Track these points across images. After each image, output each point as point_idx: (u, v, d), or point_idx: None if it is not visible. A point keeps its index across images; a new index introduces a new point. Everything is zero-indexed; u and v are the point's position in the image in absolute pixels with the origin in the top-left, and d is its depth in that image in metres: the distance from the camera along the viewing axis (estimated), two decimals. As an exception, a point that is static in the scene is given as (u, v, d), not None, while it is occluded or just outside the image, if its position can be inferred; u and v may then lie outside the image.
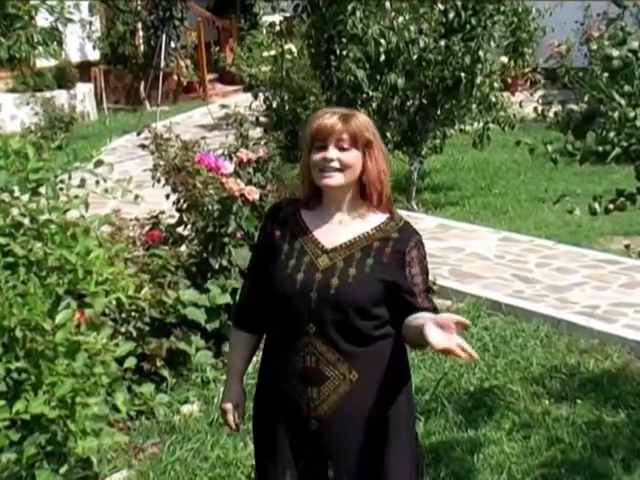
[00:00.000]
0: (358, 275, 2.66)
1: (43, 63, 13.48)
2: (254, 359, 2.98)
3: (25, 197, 2.93)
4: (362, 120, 2.72)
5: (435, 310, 2.70)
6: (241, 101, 12.06)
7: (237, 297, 3.00)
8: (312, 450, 2.72)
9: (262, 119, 10.91)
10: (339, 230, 2.74)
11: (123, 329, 4.74)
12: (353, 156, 2.68)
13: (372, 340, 2.68)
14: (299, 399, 2.69)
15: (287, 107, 9.95)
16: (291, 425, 2.74)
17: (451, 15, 6.29)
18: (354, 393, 2.67)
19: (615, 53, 3.75)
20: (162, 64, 14.19)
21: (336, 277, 2.66)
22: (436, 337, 2.40)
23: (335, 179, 2.68)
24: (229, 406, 2.91)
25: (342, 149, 2.68)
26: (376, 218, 2.77)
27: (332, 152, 2.67)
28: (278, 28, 13.05)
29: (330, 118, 2.69)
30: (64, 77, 14.17)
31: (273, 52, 12.47)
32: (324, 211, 2.77)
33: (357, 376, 2.67)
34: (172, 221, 5.62)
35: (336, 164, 2.67)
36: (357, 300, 2.65)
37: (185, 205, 5.47)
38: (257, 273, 2.84)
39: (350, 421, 2.69)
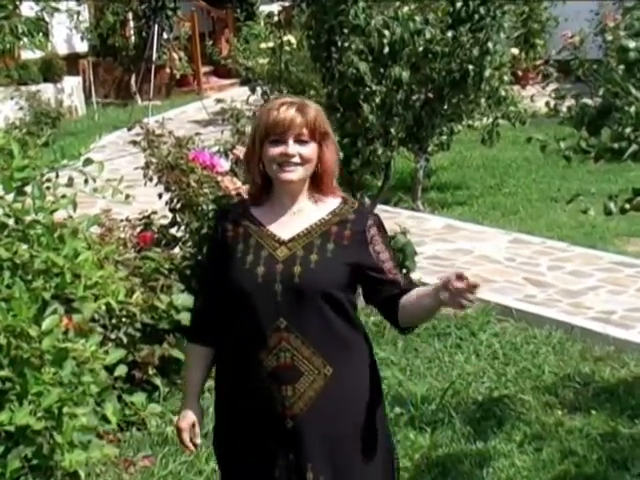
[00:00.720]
0: (320, 260, 2.73)
1: (28, 55, 13.50)
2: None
3: (10, 197, 2.93)
4: (317, 110, 2.78)
5: (412, 284, 2.84)
6: (237, 95, 12.07)
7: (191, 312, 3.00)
8: (288, 452, 2.73)
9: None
10: (294, 220, 2.80)
11: (113, 335, 4.73)
12: (312, 149, 2.75)
13: (342, 332, 2.77)
14: (272, 400, 2.71)
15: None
16: (264, 430, 2.74)
17: (458, 4, 6.28)
18: (329, 388, 2.73)
19: (632, 44, 3.75)
20: (154, 56, 14.21)
21: (298, 265, 2.72)
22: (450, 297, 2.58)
23: (296, 174, 2.74)
24: (185, 425, 2.92)
25: (301, 143, 2.73)
26: (330, 203, 2.84)
27: (293, 147, 2.72)
28: (276, 18, 13.09)
29: (288, 111, 2.72)
30: (50, 70, 14.19)
31: (271, 44, 12.49)
32: (276, 204, 2.81)
33: (331, 370, 2.73)
34: (165, 222, 5.62)
35: (297, 159, 2.73)
36: (323, 285, 2.72)
37: (179, 205, 5.47)
38: (210, 281, 2.86)
39: (326, 418, 2.74)
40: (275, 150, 2.72)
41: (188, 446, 2.94)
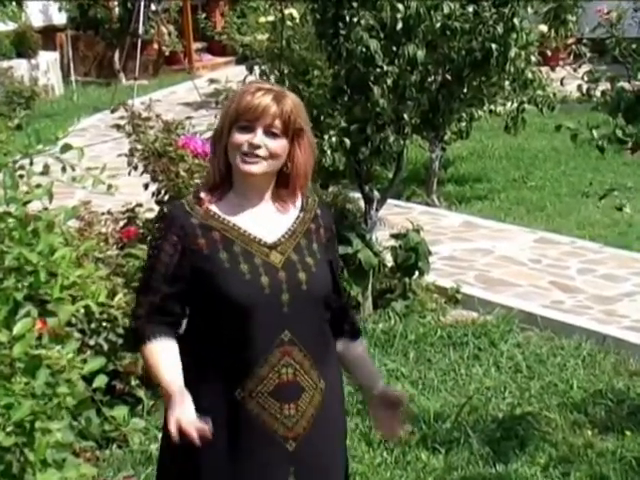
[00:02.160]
0: (316, 263, 2.80)
1: None
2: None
3: (-22, 186, 2.93)
4: (295, 104, 2.77)
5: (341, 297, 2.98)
6: (233, 75, 12.08)
7: (133, 319, 2.94)
8: (287, 476, 2.74)
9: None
10: (271, 221, 2.82)
11: (92, 342, 4.74)
12: (281, 145, 2.75)
13: (329, 340, 2.86)
14: (273, 422, 2.71)
15: (287, 82, 9.93)
16: (262, 455, 2.72)
17: (481, -25, 6.29)
18: (325, 404, 2.79)
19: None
20: (140, 30, 14.18)
21: (301, 270, 2.75)
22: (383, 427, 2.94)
23: (258, 167, 2.74)
24: (194, 418, 2.62)
25: (271, 135, 2.73)
26: (296, 199, 2.87)
27: (260, 137, 2.72)
28: (277, -11, 13.04)
29: (263, 97, 2.72)
30: (24, 44, 14.18)
31: (271, 18, 12.45)
32: (243, 203, 2.81)
33: (324, 384, 2.79)
34: (151, 215, 5.62)
35: (262, 151, 2.73)
36: (326, 289, 2.83)
37: (167, 197, 5.47)
38: (163, 288, 2.77)
39: (325, 436, 2.79)
40: (241, 137, 2.72)
41: (208, 435, 2.61)
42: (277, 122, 2.72)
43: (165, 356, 2.78)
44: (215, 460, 2.74)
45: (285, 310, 2.72)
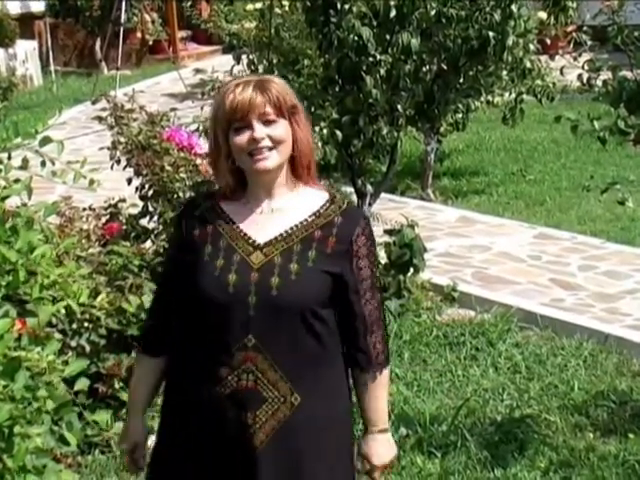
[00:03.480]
0: (301, 270, 2.72)
1: (-25, 15, 13.48)
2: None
3: (-46, 180, 2.92)
4: (279, 84, 2.78)
5: (379, 313, 2.86)
6: (220, 65, 12.08)
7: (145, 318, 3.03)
8: None
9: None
10: (272, 221, 2.79)
11: (74, 343, 4.73)
12: (283, 128, 2.74)
13: (317, 356, 2.76)
14: (229, 427, 2.72)
15: (276, 72, 9.92)
16: (214, 465, 2.76)
17: (477, -40, 6.29)
18: (294, 419, 2.73)
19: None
20: (123, 18, 14.17)
21: (276, 275, 2.71)
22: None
23: (271, 160, 2.73)
24: (127, 446, 2.98)
25: (268, 123, 2.72)
26: (314, 201, 2.83)
27: (259, 130, 2.70)
28: (265, -25, 13.02)
29: (244, 91, 2.71)
30: (1, 32, 14.15)
31: (259, 5, 12.45)
32: (251, 201, 2.81)
33: (299, 400, 2.73)
34: (135, 211, 5.62)
35: (267, 142, 2.71)
36: (303, 300, 2.72)
37: (151, 192, 5.46)
38: (168, 284, 2.89)
39: (288, 453, 2.74)
40: (242, 138, 2.71)
41: (131, 467, 3.05)
42: (268, 108, 2.71)
43: (142, 372, 2.98)
44: (175, 461, 2.84)
45: (251, 313, 2.69)
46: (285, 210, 2.80)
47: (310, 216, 2.80)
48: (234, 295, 2.70)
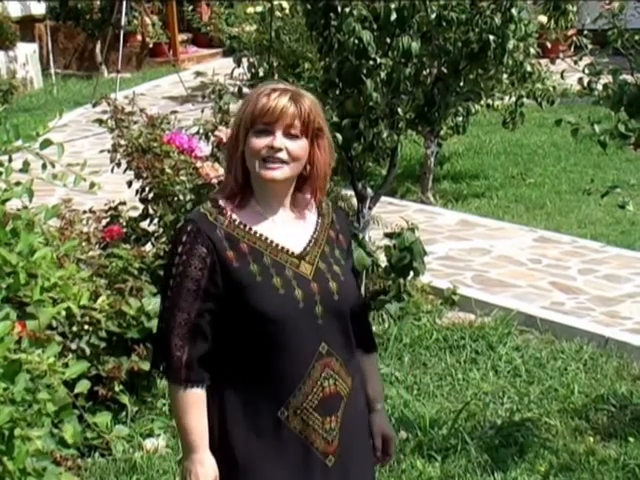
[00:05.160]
0: (343, 271, 2.84)
1: (-24, 18, 13.48)
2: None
3: (-45, 183, 2.92)
4: (313, 102, 2.77)
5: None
6: (220, 68, 12.05)
7: (167, 347, 2.77)
8: None
9: (246, 90, 10.92)
10: (294, 229, 2.82)
11: (74, 345, 4.74)
12: (302, 146, 2.74)
13: (353, 343, 2.89)
14: (315, 437, 2.74)
15: (277, 75, 9.95)
16: (301, 478, 2.76)
17: (478, -36, 6.29)
18: (351, 406, 2.83)
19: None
20: (123, 21, 14.18)
21: (332, 280, 2.78)
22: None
23: (281, 172, 2.73)
24: None
25: (291, 136, 2.72)
26: (311, 203, 2.88)
27: (280, 140, 2.70)
28: (266, -22, 13.03)
29: (279, 98, 2.70)
30: (1, 35, 14.16)
31: (260, 8, 12.45)
32: (265, 209, 2.79)
33: (352, 387, 2.85)
34: (135, 214, 5.62)
35: (284, 155, 2.71)
36: (354, 298, 2.88)
37: (151, 194, 5.47)
38: (198, 308, 2.74)
39: (354, 441, 2.84)
40: (260, 142, 2.70)
41: None
42: (296, 122, 2.70)
43: (199, 408, 2.76)
44: None
45: (320, 322, 2.73)
46: (299, 217, 2.84)
47: (319, 218, 2.87)
48: (303, 310, 2.72)
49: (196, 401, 2.76)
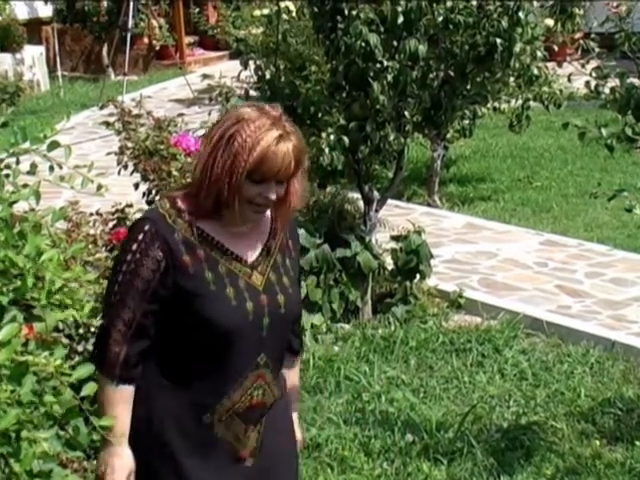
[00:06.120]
0: (291, 282, 2.85)
1: (-17, 21, 13.51)
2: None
3: (-38, 185, 2.92)
4: (300, 140, 2.73)
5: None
6: (227, 70, 12.04)
7: (105, 341, 2.79)
8: None
9: (253, 93, 10.93)
10: (249, 236, 2.80)
11: (80, 348, 4.73)
12: (284, 188, 2.74)
13: (284, 353, 2.95)
14: (236, 443, 2.78)
15: (283, 78, 9.94)
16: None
17: (485, -33, 6.29)
18: (274, 411, 2.87)
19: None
20: (130, 23, 14.18)
21: (280, 293, 2.79)
22: None
23: (265, 212, 2.79)
24: (124, 474, 2.81)
25: (281, 183, 2.71)
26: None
27: (273, 192, 2.69)
28: (273, -19, 13.04)
29: (285, 155, 2.65)
30: (8, 37, 14.19)
31: (266, 11, 12.46)
32: (228, 220, 2.76)
33: (279, 394, 2.88)
34: (141, 216, 5.61)
35: (272, 200, 2.71)
36: (299, 309, 2.96)
37: (158, 197, 5.46)
38: (143, 306, 2.73)
39: (273, 442, 2.87)
40: (255, 190, 2.67)
41: None
42: (289, 173, 2.70)
43: (125, 405, 2.78)
44: None
45: (264, 334, 2.74)
46: (255, 225, 2.82)
47: (269, 224, 2.86)
48: (253, 322, 2.73)
49: (125, 398, 2.77)
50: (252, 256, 2.79)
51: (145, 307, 2.72)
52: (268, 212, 2.84)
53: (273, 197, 2.69)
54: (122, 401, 2.78)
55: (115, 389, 2.77)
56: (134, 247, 2.71)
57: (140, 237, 2.71)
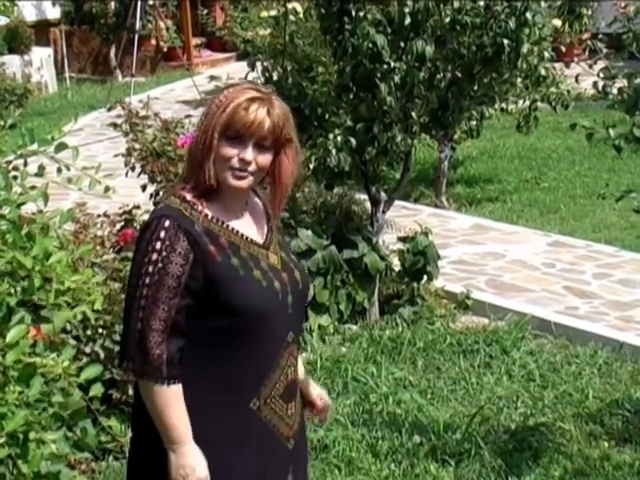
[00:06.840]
0: (297, 258, 2.97)
1: (-9, 22, 13.53)
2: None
3: (-30, 187, 2.93)
4: (285, 113, 2.77)
5: None
6: (234, 72, 12.09)
7: (144, 345, 2.75)
8: (287, 475, 2.88)
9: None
10: (253, 217, 2.89)
11: (88, 349, 4.74)
12: (269, 158, 2.77)
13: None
14: (280, 424, 2.83)
15: (290, 79, 9.95)
16: (271, 463, 2.83)
17: (492, -32, 6.28)
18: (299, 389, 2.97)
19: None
20: (137, 25, 14.21)
21: (296, 269, 2.88)
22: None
23: (247, 181, 2.77)
24: (205, 475, 2.75)
25: (260, 148, 2.74)
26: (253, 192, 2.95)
27: (251, 154, 2.73)
28: (280, -17, 13.05)
29: (257, 112, 2.70)
30: (16, 39, 14.22)
31: (274, 12, 12.47)
32: (232, 205, 2.82)
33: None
34: (149, 218, 5.62)
35: (252, 167, 2.74)
36: (310, 284, 3.11)
37: (162, 196, 5.47)
38: (176, 303, 2.71)
39: (303, 427, 2.97)
40: (231, 151, 2.72)
41: None
42: (269, 136, 2.73)
43: (181, 403, 2.76)
44: (231, 475, 2.80)
45: (290, 312, 2.81)
46: (253, 208, 2.90)
47: (262, 204, 2.95)
48: (281, 300, 2.79)
49: (177, 396, 2.76)
50: (262, 237, 2.86)
51: (178, 303, 2.72)
52: (258, 200, 2.93)
53: (249, 158, 2.71)
54: (178, 400, 2.76)
55: (168, 390, 2.75)
56: (158, 246, 2.71)
57: (162, 235, 2.71)
